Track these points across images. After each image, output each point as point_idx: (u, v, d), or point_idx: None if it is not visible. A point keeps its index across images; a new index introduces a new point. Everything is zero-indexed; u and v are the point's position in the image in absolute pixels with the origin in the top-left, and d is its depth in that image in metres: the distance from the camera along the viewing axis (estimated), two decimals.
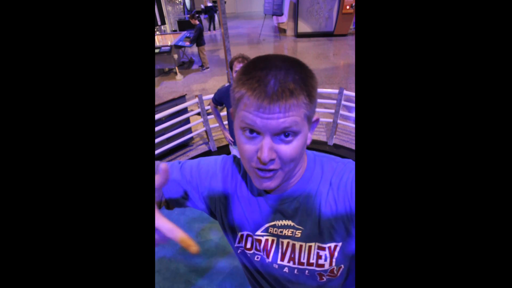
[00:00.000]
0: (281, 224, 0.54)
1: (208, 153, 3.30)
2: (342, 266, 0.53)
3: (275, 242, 0.55)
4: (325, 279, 0.54)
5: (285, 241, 0.54)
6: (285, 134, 0.42)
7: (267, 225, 0.55)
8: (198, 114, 3.22)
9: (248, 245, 0.57)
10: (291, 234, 0.53)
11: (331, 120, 3.23)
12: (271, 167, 0.44)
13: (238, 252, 0.61)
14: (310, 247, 0.52)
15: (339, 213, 0.50)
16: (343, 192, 0.49)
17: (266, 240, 0.55)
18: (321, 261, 0.52)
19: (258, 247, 0.56)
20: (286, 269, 0.55)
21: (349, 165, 0.53)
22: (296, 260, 0.53)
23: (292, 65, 0.42)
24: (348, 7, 8.00)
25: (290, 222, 0.53)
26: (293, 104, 0.40)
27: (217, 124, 3.23)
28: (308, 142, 0.47)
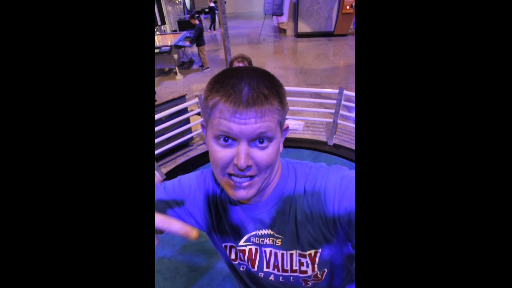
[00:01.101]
0: (261, 233, 0.54)
1: (208, 153, 3.30)
2: (326, 270, 0.53)
3: (258, 251, 0.55)
4: (310, 284, 0.54)
5: (267, 249, 0.54)
6: (260, 140, 0.42)
7: (248, 235, 0.55)
8: (198, 114, 3.22)
9: (233, 256, 0.58)
10: (272, 243, 0.53)
11: (331, 120, 3.23)
12: (248, 173, 0.43)
13: (226, 261, 0.62)
14: (291, 254, 0.52)
15: (315, 220, 0.49)
16: (317, 199, 0.49)
17: (250, 250, 0.55)
18: (303, 268, 0.52)
19: (242, 258, 0.57)
20: (271, 277, 0.55)
21: (322, 170, 0.52)
22: (280, 268, 0.53)
23: (262, 74, 0.43)
24: (348, 7, 8.00)
25: (269, 231, 0.53)
26: (268, 109, 0.41)
27: None
28: (280, 149, 0.47)
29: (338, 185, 0.47)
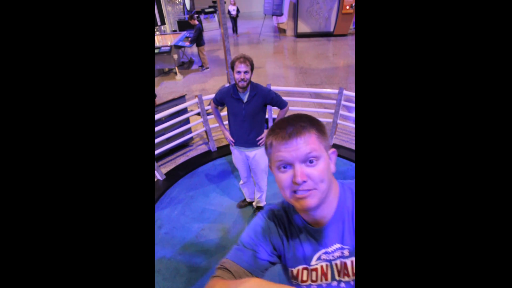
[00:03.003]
0: (331, 249, 0.62)
1: (208, 153, 3.30)
2: None
3: (329, 266, 0.63)
4: None
5: (338, 261, 0.62)
6: (309, 160, 0.55)
7: (319, 253, 0.63)
8: (198, 114, 3.22)
9: (304, 277, 0.65)
10: (340, 254, 0.61)
11: (331, 120, 3.23)
12: (306, 187, 0.55)
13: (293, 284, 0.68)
14: None
15: None
16: None
17: (321, 267, 0.63)
18: None
19: (313, 278, 0.64)
20: (343, 284, 0.61)
21: None
22: (350, 274, 0.61)
23: (300, 115, 0.59)
24: (348, 7, 8.01)
25: (337, 245, 0.62)
26: (307, 135, 0.55)
27: (217, 124, 3.23)
28: (332, 170, 0.59)
29: None
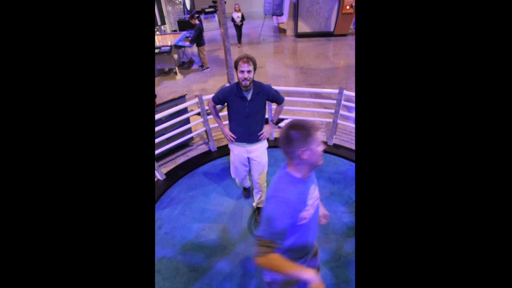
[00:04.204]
0: (314, 194, 1.11)
1: (208, 153, 3.30)
2: None
3: (315, 204, 1.11)
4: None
5: (318, 201, 1.13)
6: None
7: (308, 196, 1.07)
8: (198, 114, 3.22)
9: (305, 215, 1.07)
10: (317, 195, 1.14)
11: (331, 120, 3.23)
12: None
13: (301, 223, 1.09)
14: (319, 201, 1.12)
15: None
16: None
17: (312, 205, 1.09)
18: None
19: (308, 213, 1.09)
20: (315, 208, 1.12)
21: None
22: (317, 199, 1.14)
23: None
24: (348, 7, 8.02)
25: (313, 187, 1.11)
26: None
27: (217, 124, 3.23)
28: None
29: None
